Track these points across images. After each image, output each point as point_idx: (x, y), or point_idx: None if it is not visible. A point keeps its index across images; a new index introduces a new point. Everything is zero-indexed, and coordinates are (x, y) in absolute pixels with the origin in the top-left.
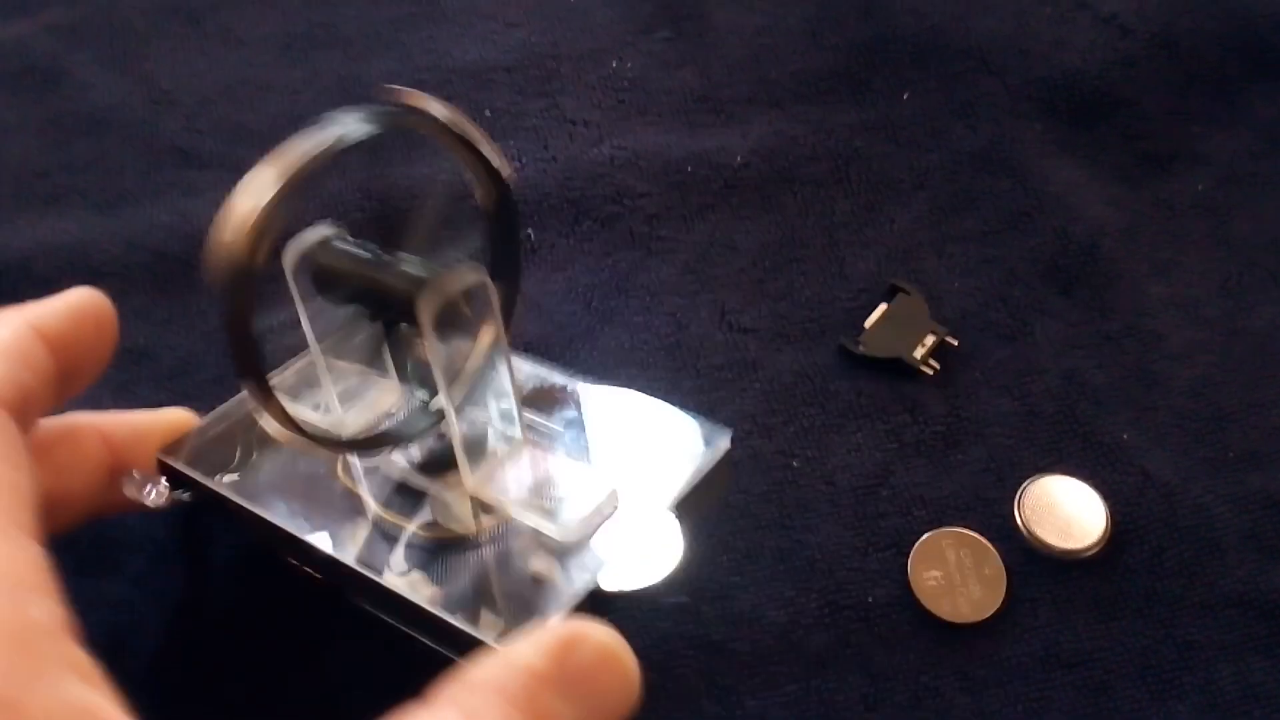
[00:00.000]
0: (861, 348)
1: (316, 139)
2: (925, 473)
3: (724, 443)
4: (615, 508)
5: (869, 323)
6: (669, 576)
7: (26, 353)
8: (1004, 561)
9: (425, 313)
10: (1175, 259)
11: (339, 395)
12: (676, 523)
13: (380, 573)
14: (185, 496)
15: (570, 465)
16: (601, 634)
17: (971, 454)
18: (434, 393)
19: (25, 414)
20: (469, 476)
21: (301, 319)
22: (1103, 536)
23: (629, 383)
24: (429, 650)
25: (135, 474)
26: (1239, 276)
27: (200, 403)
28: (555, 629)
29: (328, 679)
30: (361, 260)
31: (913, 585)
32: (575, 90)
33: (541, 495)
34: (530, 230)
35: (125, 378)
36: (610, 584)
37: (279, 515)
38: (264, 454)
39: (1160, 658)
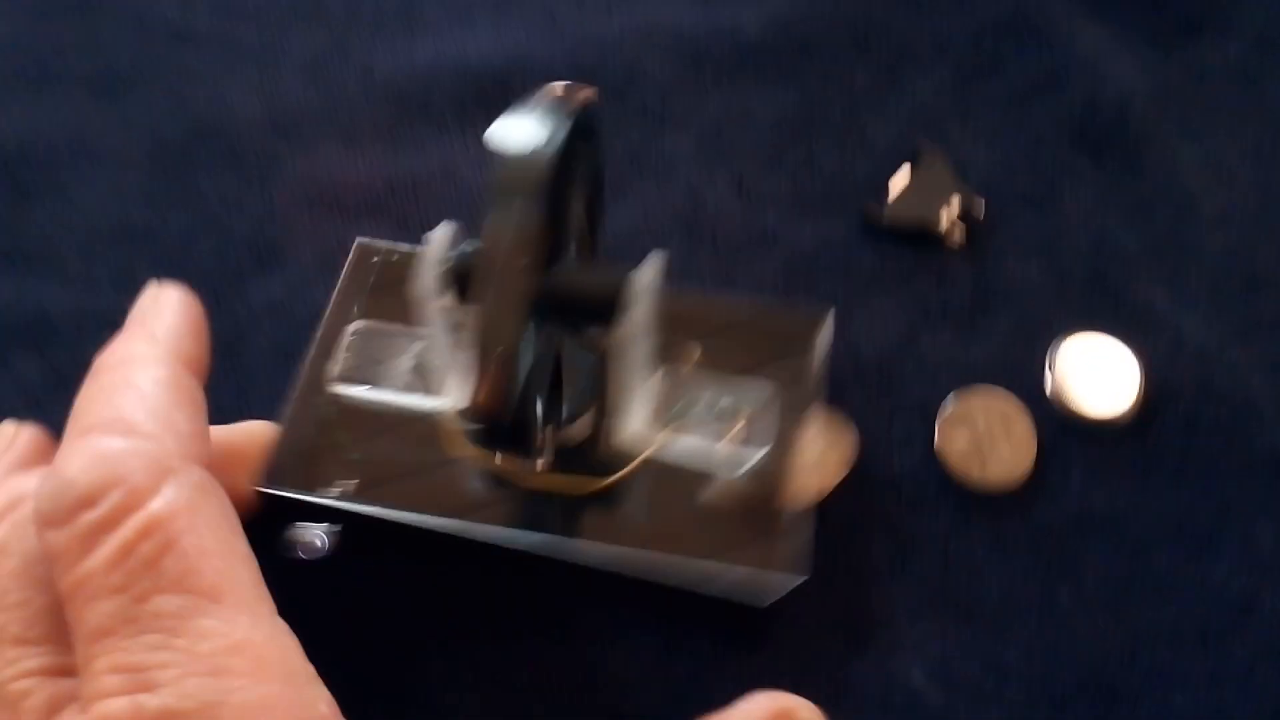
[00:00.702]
0: (886, 215)
1: (535, 155)
2: (952, 339)
3: (830, 319)
4: (767, 419)
5: (893, 182)
6: (848, 474)
7: (195, 396)
8: (1035, 425)
9: (639, 314)
10: (1207, 124)
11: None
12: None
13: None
14: (338, 530)
15: (713, 385)
16: (809, 711)
17: (1000, 320)
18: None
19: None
20: (631, 428)
21: (434, 323)
22: (1136, 399)
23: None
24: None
25: (297, 527)
26: (1272, 142)
27: (200, 283)
28: (767, 704)
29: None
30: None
31: (940, 450)
32: None
33: (701, 425)
34: None
35: (124, 262)
36: (804, 499)
37: (429, 516)
38: (366, 449)
39: (1197, 518)
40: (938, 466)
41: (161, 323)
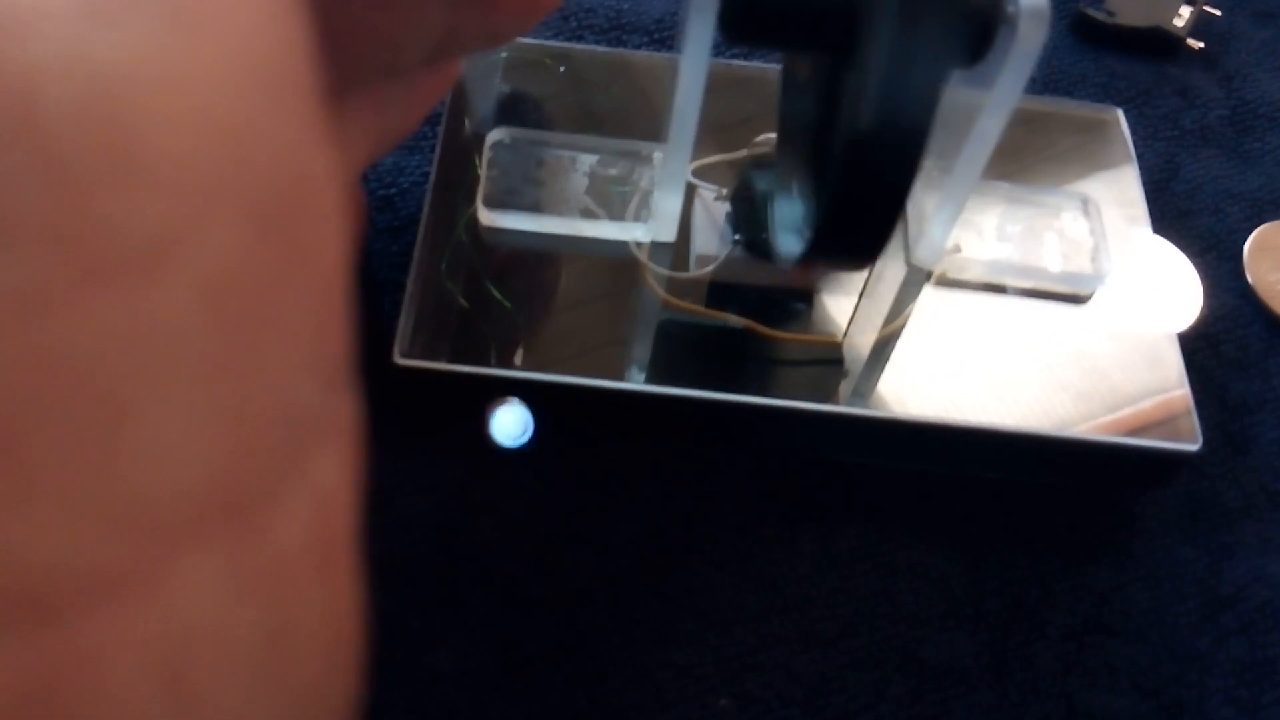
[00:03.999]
0: (1112, 16)
1: None
2: (1222, 164)
3: (1123, 119)
4: (1089, 242)
5: None
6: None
7: None
8: None
9: (1027, 46)
10: None
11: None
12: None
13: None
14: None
15: (1003, 198)
16: None
17: (1271, 141)
18: None
19: None
20: (931, 245)
21: (689, 84)
22: None
23: None
24: None
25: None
26: None
27: None
28: None
29: None
30: None
31: (1257, 291)
32: None
33: (1003, 248)
34: None
35: None
36: (1165, 343)
37: (623, 385)
38: (528, 311)
39: None
40: (1256, 314)
41: None
